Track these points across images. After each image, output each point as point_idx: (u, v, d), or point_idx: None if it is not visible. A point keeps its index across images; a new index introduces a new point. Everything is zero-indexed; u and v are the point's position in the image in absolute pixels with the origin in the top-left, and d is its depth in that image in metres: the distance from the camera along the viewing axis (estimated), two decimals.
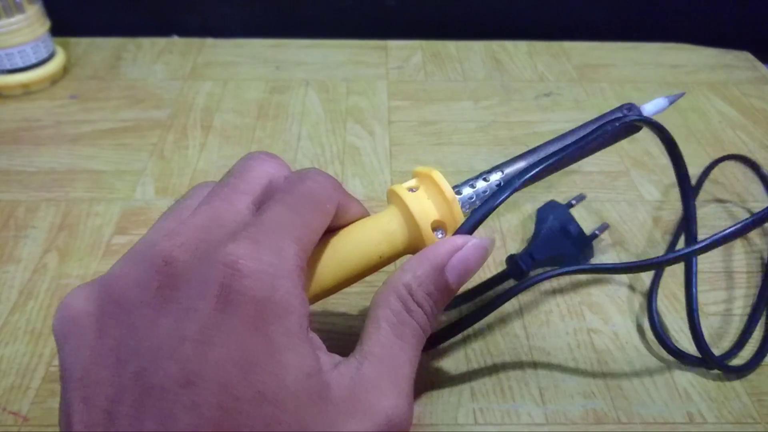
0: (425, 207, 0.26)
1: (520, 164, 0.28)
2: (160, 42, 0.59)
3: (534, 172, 0.27)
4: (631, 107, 0.29)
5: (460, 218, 0.26)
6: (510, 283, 0.34)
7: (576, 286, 0.36)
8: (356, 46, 0.59)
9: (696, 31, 0.62)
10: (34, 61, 0.51)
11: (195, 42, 0.59)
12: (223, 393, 0.19)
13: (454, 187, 0.27)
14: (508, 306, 0.34)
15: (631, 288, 0.36)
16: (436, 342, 0.30)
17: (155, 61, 0.57)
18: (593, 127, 0.29)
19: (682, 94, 0.30)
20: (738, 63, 0.58)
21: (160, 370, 0.19)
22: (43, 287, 0.35)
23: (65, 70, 0.54)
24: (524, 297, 0.35)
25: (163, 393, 0.19)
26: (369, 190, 0.42)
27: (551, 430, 0.29)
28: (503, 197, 0.26)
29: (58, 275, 0.36)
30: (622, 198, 0.42)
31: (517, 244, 0.38)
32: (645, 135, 0.48)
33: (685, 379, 0.31)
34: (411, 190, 0.27)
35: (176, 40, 0.60)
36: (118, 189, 0.42)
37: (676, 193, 0.42)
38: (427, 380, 0.31)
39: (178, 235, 0.21)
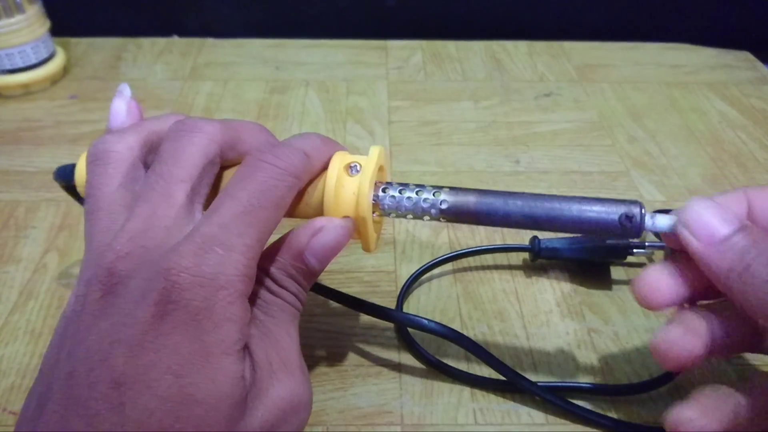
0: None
1: (470, 198, 0.25)
2: (160, 42, 0.59)
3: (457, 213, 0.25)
4: (631, 216, 0.25)
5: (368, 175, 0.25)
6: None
7: (576, 286, 0.36)
8: (356, 46, 0.59)
9: (696, 31, 0.62)
10: (34, 61, 0.51)
11: (195, 42, 0.59)
12: (148, 394, 0.19)
13: (400, 185, 0.26)
14: (508, 306, 0.34)
15: (632, 288, 0.36)
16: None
17: (155, 61, 0.57)
18: (591, 211, 0.25)
19: None
20: (738, 63, 0.58)
21: (91, 372, 0.20)
22: (43, 287, 0.35)
23: (65, 70, 0.54)
24: (524, 297, 0.35)
25: (91, 393, 0.19)
26: None
27: (551, 430, 0.29)
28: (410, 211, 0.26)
29: (58, 275, 0.36)
30: (622, 198, 0.42)
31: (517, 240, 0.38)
32: (644, 135, 0.48)
33: (686, 378, 0.31)
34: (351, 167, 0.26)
35: (176, 40, 0.60)
36: None
37: (676, 194, 0.43)
38: (427, 380, 0.31)
39: (120, 244, 0.21)
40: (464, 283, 0.36)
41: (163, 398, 0.19)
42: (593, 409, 0.29)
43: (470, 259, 0.37)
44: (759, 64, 0.58)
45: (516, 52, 0.59)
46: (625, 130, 0.49)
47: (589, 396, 0.30)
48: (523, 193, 0.25)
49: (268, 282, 0.24)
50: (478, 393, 0.30)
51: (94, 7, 0.62)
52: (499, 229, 0.39)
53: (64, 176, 0.29)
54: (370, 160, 0.25)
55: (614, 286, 0.36)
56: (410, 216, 0.26)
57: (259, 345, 0.22)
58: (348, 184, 0.25)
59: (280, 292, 0.24)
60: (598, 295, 0.35)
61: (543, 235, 0.38)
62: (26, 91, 0.51)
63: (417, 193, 0.26)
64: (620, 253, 0.36)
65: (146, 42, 0.59)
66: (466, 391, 0.30)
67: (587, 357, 0.32)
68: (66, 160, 0.45)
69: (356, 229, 0.26)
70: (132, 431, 0.19)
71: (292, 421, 0.23)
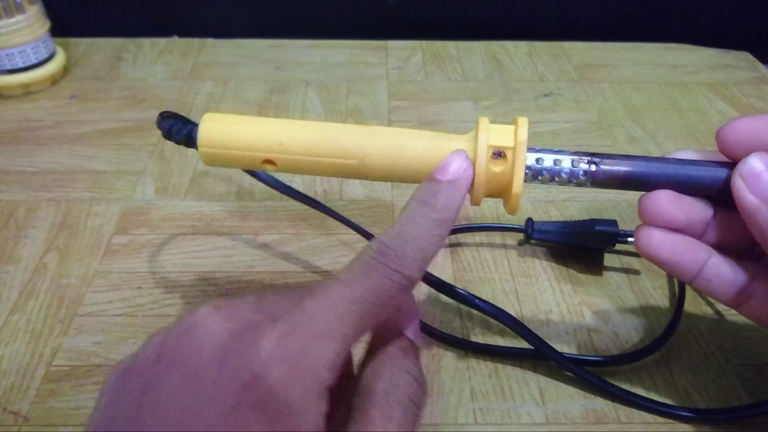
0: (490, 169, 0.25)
1: (622, 167, 0.25)
2: (161, 42, 0.59)
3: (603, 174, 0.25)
4: None
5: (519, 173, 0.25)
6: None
7: (576, 286, 0.36)
8: (356, 46, 0.59)
9: (696, 31, 0.62)
10: (34, 61, 0.51)
11: (195, 42, 0.59)
12: None
13: (541, 150, 0.26)
14: (508, 306, 0.34)
15: (631, 288, 0.36)
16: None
17: (155, 61, 0.57)
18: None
19: None
20: (738, 63, 0.58)
21: None
22: (43, 287, 0.35)
23: (65, 70, 0.54)
24: (524, 297, 0.35)
25: None
26: (369, 190, 0.42)
27: (551, 430, 0.29)
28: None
29: (58, 275, 0.36)
30: (622, 198, 0.42)
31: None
32: (644, 135, 0.48)
33: (685, 378, 0.31)
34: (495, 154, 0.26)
35: (176, 40, 0.60)
36: (118, 189, 0.42)
37: None
38: (427, 380, 0.31)
39: (221, 313, 0.21)
40: (461, 271, 0.36)
41: None
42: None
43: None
44: (759, 64, 0.58)
45: (516, 52, 0.59)
46: (625, 130, 0.49)
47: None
48: (651, 158, 0.26)
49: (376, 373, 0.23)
50: (478, 393, 0.30)
51: (94, 7, 0.62)
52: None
53: (182, 135, 0.27)
54: (519, 149, 0.25)
55: (614, 287, 0.36)
56: (559, 183, 0.26)
57: None
58: (497, 174, 0.25)
59: (390, 378, 0.23)
60: (598, 295, 0.35)
61: (537, 217, 0.38)
62: (26, 91, 0.51)
63: (570, 163, 0.26)
64: (609, 240, 0.36)
65: (146, 42, 0.59)
66: (466, 391, 0.30)
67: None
68: (66, 161, 0.45)
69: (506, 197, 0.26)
70: None
71: None
